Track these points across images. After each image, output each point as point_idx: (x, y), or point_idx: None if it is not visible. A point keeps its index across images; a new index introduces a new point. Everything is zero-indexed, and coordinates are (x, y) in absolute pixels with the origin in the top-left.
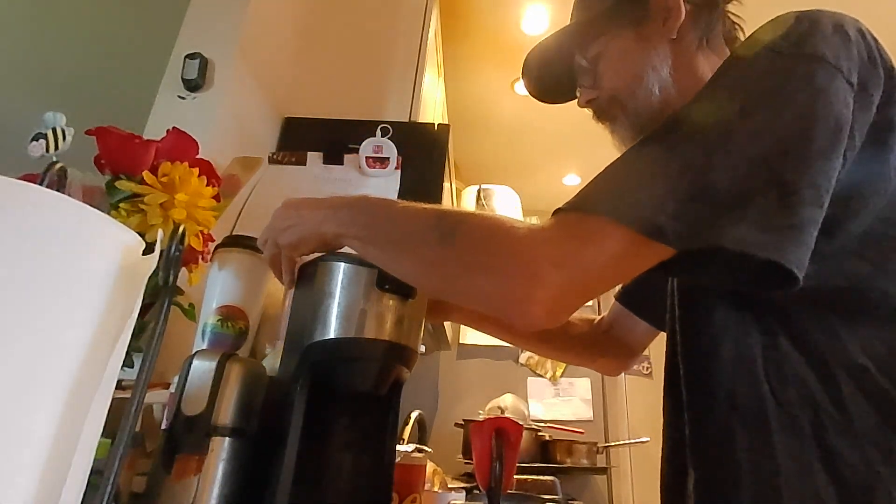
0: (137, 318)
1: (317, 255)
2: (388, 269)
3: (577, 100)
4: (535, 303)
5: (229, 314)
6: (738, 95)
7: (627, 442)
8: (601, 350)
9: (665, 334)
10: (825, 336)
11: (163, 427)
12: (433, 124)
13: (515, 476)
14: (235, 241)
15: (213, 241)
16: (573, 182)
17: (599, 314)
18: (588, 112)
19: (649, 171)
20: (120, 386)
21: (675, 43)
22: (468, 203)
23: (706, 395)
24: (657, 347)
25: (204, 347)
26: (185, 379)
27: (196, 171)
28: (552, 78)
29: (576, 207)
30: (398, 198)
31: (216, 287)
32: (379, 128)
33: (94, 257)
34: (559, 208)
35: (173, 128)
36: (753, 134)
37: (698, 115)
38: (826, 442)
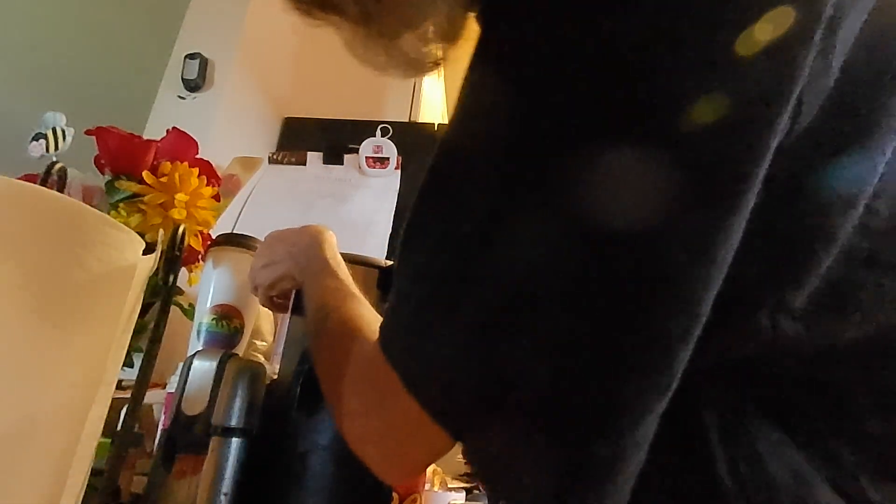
0: (137, 318)
1: None
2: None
3: None
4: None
5: (224, 313)
6: None
7: None
8: None
9: None
10: None
11: (162, 427)
12: (433, 124)
13: None
14: (229, 240)
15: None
16: None
17: None
18: None
19: None
20: (120, 386)
21: None
22: None
23: None
24: None
25: (199, 347)
26: (186, 379)
27: (196, 171)
28: None
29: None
30: (398, 198)
31: (210, 286)
32: (379, 128)
33: (93, 257)
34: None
35: (173, 128)
36: None
37: None
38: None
